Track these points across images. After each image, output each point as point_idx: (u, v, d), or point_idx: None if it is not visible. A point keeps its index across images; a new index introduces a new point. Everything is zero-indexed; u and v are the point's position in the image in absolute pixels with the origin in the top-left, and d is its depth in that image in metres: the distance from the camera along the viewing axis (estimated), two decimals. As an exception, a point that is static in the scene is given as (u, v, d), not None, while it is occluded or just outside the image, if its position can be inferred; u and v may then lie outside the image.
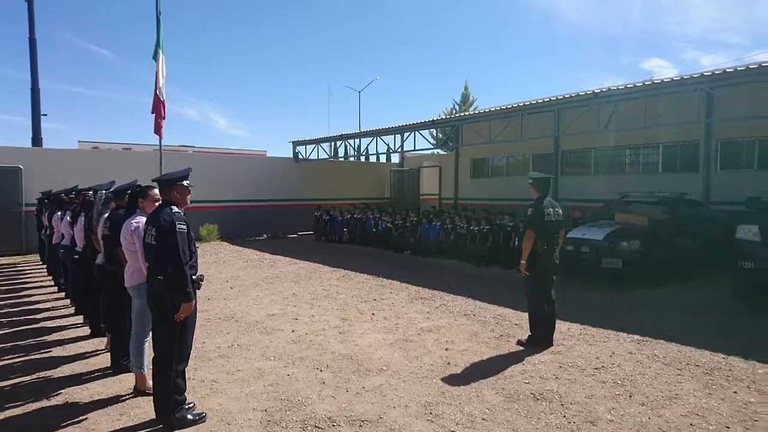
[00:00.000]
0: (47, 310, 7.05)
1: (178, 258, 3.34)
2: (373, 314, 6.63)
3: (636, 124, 10.55)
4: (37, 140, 17.55)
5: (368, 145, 17.22)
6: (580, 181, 14.84)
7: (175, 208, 3.49)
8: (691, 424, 3.53)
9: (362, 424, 3.57)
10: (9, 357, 5.08)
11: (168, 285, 3.38)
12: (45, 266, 10.02)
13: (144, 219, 3.94)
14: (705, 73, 9.18)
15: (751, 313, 6.47)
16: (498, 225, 10.71)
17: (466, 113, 22.27)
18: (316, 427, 3.53)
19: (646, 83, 9.96)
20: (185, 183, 3.64)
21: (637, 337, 5.51)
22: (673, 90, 9.74)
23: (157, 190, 3.85)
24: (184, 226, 3.43)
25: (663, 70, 61.23)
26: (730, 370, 4.52)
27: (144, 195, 4.09)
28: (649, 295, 7.52)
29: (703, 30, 61.81)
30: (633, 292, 7.69)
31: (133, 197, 4.19)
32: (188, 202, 3.69)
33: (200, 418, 3.60)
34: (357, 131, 18.04)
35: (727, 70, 8.75)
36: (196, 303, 3.53)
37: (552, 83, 61.31)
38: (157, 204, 3.77)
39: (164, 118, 11.62)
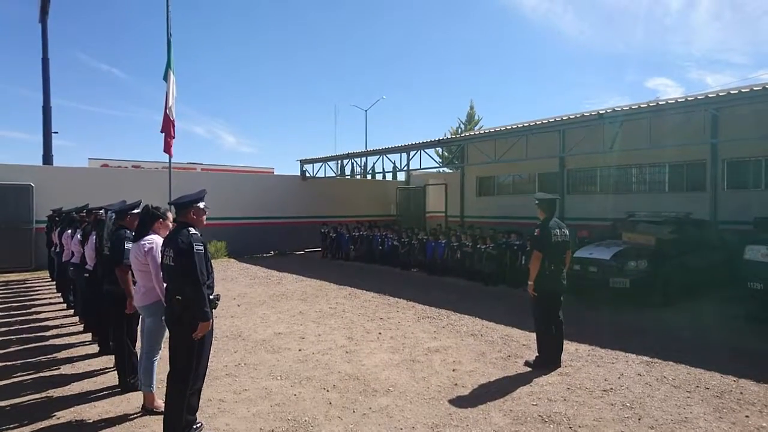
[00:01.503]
0: (56, 327, 7.10)
1: (196, 279, 3.40)
2: (380, 333, 6.63)
3: (641, 144, 10.59)
4: (48, 158, 17.82)
5: (375, 163, 17.39)
6: (586, 200, 14.84)
7: (192, 230, 3.56)
8: (701, 449, 3.49)
9: (370, 445, 3.56)
10: (19, 374, 5.11)
11: (186, 305, 3.43)
12: (54, 283, 10.10)
13: (156, 239, 4.00)
14: (710, 95, 9.26)
15: (761, 334, 6.40)
16: (505, 244, 10.70)
17: (472, 133, 22.43)
18: (323, 448, 3.53)
19: (651, 104, 10.05)
20: (201, 205, 3.72)
21: (645, 358, 5.47)
22: (678, 111, 9.79)
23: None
24: (202, 247, 3.49)
25: (668, 89, 61.53)
26: (741, 393, 4.48)
27: (165, 217, 4.17)
28: (657, 315, 7.48)
29: (707, 50, 62.33)
30: (641, 312, 7.65)
31: (149, 218, 4.23)
32: (204, 223, 3.76)
33: (208, 439, 3.61)
34: (363, 150, 18.20)
35: (732, 92, 8.81)
36: (212, 322, 3.58)
37: (555, 102, 61.66)
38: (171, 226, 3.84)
39: (174, 138, 11.81)
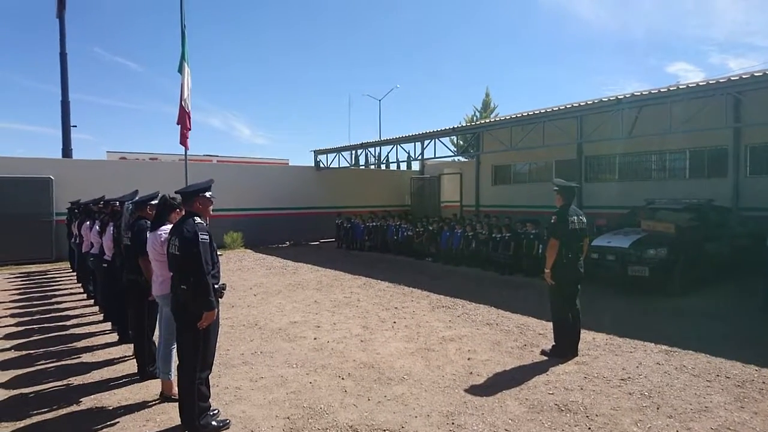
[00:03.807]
0: (77, 316, 7.24)
1: (200, 268, 3.41)
2: (395, 322, 6.63)
3: (661, 129, 10.35)
4: (67, 151, 18.11)
5: (389, 153, 17.31)
6: (604, 188, 14.61)
7: (197, 219, 3.57)
8: (722, 438, 3.43)
9: (384, 433, 3.57)
10: (41, 363, 5.23)
11: (191, 294, 3.45)
12: (75, 274, 10.29)
13: (171, 229, 4.02)
14: (732, 78, 8.98)
15: (785, 324, 6.26)
16: (521, 232, 10.60)
17: (487, 120, 22.19)
18: (338, 435, 3.54)
19: (671, 88, 9.79)
20: (208, 194, 3.72)
21: (664, 347, 5.38)
22: (699, 95, 9.53)
23: None
24: (207, 237, 3.50)
25: (689, 74, 60.08)
26: (763, 382, 4.38)
27: (181, 207, 4.17)
28: (676, 304, 7.35)
29: (729, 33, 60.42)
30: (660, 301, 7.53)
31: (166, 208, 4.25)
32: (210, 212, 3.76)
33: (224, 425, 3.65)
34: (377, 139, 18.13)
35: (756, 74, 8.54)
36: (218, 311, 3.59)
37: (573, 89, 60.68)
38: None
39: (189, 129, 11.90)
